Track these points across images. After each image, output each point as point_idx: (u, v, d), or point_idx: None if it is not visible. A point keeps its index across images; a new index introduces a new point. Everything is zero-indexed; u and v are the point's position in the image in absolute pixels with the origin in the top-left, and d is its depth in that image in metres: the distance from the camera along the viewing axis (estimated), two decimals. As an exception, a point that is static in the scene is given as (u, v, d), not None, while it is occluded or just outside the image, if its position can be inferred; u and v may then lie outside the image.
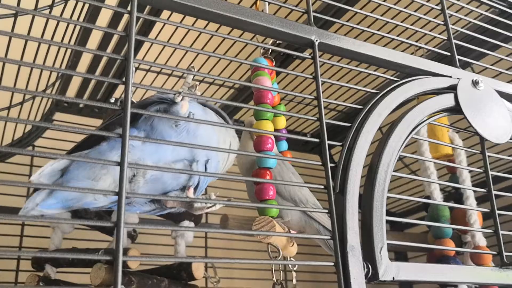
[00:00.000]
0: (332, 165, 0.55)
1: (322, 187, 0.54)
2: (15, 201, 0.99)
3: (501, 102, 0.70)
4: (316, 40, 0.60)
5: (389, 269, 0.53)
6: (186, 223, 0.94)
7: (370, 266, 0.52)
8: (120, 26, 0.86)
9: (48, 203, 0.58)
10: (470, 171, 0.95)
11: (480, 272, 0.61)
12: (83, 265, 0.81)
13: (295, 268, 0.70)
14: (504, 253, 0.63)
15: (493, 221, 0.64)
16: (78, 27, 0.86)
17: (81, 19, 0.81)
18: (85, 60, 0.97)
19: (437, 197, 0.91)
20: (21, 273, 1.05)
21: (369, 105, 0.61)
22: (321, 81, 0.58)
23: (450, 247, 0.86)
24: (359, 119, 0.59)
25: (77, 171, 0.59)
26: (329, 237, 0.53)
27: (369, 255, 0.53)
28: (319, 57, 0.60)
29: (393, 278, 0.53)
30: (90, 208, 0.62)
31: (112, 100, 1.12)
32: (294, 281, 0.71)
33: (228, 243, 1.39)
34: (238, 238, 1.32)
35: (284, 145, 0.86)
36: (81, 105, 1.18)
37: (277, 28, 0.59)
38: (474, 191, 0.92)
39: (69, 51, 0.93)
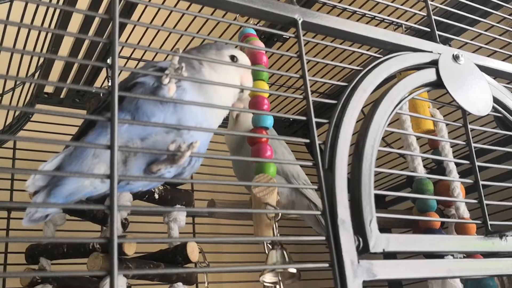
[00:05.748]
0: (320, 142, 0.56)
1: (311, 164, 0.55)
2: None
3: (481, 76, 0.71)
4: (299, 19, 0.61)
5: (379, 240, 0.53)
6: (177, 207, 0.94)
7: (360, 239, 0.53)
8: (101, 9, 0.85)
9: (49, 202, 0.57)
10: (452, 146, 0.97)
11: (467, 241, 0.62)
12: (79, 256, 0.81)
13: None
14: (489, 222, 0.64)
15: (477, 191, 0.66)
16: (57, 14, 0.84)
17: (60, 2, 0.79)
18: (65, 48, 0.96)
19: (421, 172, 0.92)
20: (9, 267, 1.03)
21: (354, 82, 0.62)
22: (306, 59, 0.59)
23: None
24: (345, 96, 0.60)
25: (70, 167, 0.59)
26: (320, 212, 0.53)
27: (359, 228, 0.53)
28: (303, 36, 0.61)
29: (383, 249, 0.54)
30: (93, 196, 0.62)
31: (94, 90, 1.11)
32: None
33: (216, 228, 1.39)
34: (225, 222, 1.32)
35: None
36: (62, 96, 1.16)
37: (260, 7, 0.58)
38: (457, 165, 0.93)
39: (48, 40, 0.91)
